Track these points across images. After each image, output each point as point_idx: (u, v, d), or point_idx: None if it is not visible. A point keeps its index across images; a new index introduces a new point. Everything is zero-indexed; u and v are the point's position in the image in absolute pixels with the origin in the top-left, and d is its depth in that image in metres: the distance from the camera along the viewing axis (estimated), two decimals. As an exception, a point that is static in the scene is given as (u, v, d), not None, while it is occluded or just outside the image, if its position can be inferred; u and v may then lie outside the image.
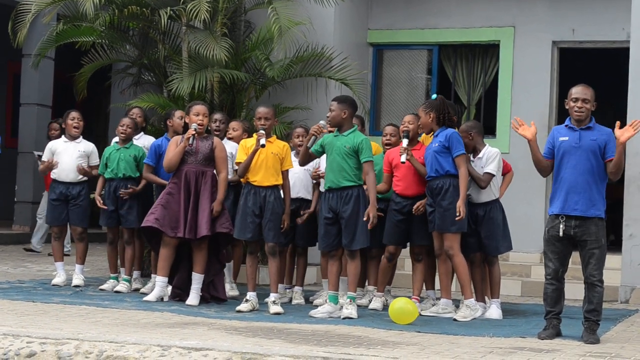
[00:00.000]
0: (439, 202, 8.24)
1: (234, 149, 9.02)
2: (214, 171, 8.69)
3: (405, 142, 8.54)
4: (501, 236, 8.56)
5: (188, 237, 8.56)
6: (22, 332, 6.44)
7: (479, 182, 8.41)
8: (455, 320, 8.10)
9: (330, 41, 11.72)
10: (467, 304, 8.24)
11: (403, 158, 8.46)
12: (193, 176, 8.63)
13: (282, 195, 8.50)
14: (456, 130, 8.38)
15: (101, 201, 9.53)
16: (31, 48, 12.85)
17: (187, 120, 8.75)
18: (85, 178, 9.77)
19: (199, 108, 8.70)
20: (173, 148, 8.68)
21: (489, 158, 8.49)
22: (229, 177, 8.86)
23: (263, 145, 8.24)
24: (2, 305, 8.00)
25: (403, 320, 7.69)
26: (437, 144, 8.29)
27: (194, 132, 8.59)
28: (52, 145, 9.93)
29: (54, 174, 9.78)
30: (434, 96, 8.59)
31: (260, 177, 8.34)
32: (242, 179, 8.51)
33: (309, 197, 9.12)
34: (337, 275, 8.26)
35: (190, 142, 8.59)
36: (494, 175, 8.47)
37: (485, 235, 8.49)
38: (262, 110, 8.43)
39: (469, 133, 8.50)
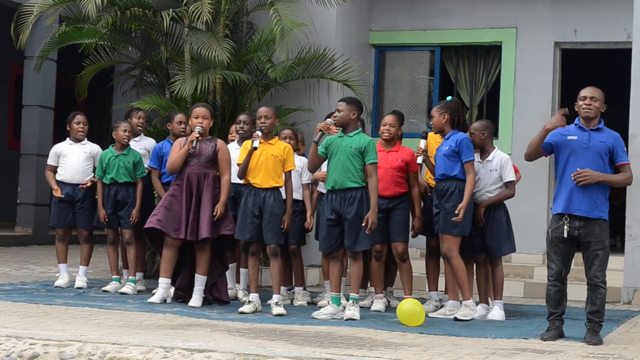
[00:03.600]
0: (443, 204, 8.25)
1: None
2: (217, 173, 8.69)
3: (423, 143, 8.52)
4: (505, 238, 8.57)
5: (189, 239, 8.57)
6: (25, 334, 6.44)
7: (509, 197, 8.55)
8: (456, 318, 8.12)
9: (332, 42, 11.71)
10: (465, 303, 8.27)
11: (419, 160, 8.45)
12: (195, 178, 8.63)
13: (284, 196, 8.49)
14: (467, 134, 8.37)
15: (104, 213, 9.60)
16: (33, 50, 12.83)
17: (190, 123, 8.79)
18: (92, 180, 9.78)
19: (198, 111, 8.71)
20: (177, 150, 8.69)
21: (503, 165, 8.53)
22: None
23: (255, 148, 8.24)
24: (5, 306, 8.00)
25: (411, 322, 7.68)
26: (447, 148, 8.27)
27: (197, 136, 8.60)
28: (57, 148, 9.91)
29: (59, 176, 9.78)
30: (449, 98, 8.57)
31: (260, 179, 8.33)
32: (243, 180, 8.52)
33: (299, 197, 9.10)
34: (338, 277, 8.26)
35: (193, 144, 8.60)
36: (514, 180, 8.58)
37: (488, 237, 8.50)
38: (261, 109, 8.46)
39: (482, 132, 8.52)
